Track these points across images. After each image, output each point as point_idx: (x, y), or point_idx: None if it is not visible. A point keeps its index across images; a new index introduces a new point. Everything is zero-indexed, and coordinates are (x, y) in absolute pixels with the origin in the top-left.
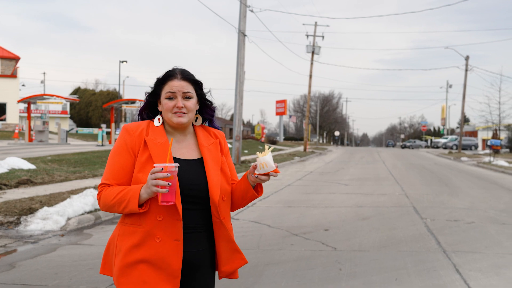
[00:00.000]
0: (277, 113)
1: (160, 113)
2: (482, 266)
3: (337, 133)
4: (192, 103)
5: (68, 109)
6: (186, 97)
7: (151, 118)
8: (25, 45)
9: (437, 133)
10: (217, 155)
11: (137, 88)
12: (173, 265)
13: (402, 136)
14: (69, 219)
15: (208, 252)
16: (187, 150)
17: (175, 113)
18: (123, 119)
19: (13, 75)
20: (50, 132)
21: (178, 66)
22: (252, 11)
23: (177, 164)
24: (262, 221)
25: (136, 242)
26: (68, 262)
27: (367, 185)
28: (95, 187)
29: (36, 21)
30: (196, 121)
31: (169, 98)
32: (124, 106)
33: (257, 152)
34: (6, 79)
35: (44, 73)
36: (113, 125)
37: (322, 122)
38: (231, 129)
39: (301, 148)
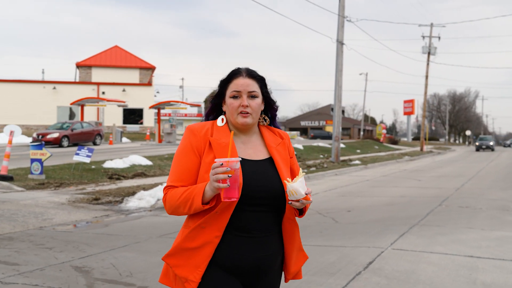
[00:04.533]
0: (405, 113)
1: (224, 113)
2: (424, 234)
3: (468, 133)
4: (257, 103)
5: (203, 112)
6: (252, 96)
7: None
8: (169, 52)
9: None
10: (286, 155)
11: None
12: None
13: None
14: (158, 200)
15: (278, 255)
16: (253, 150)
17: (240, 113)
18: None
19: (149, 83)
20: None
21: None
22: (349, 20)
23: (239, 158)
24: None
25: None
26: (143, 225)
27: (438, 181)
28: None
29: (179, 28)
30: (265, 122)
31: (234, 97)
32: None
33: (287, 178)
34: (143, 87)
35: (182, 79)
36: None
37: (453, 121)
38: (359, 129)
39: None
